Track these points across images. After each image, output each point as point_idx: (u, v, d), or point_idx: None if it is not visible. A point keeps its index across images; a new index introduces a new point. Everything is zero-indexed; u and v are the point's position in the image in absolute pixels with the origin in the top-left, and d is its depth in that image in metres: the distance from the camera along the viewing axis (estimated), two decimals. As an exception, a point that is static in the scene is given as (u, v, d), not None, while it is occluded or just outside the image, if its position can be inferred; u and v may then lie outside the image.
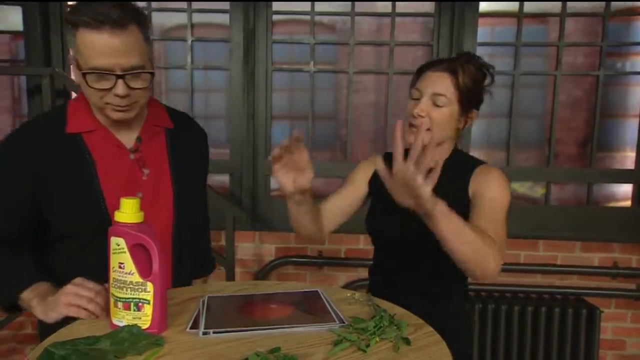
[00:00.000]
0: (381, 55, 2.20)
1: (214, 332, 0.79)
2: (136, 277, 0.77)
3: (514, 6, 2.08)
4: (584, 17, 2.11)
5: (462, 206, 1.02)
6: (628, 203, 2.17)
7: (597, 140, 2.12)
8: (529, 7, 2.07)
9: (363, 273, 2.12)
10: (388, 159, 1.23)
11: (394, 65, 2.14)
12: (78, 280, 0.88)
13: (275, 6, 2.14)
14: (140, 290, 0.77)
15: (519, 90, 2.13)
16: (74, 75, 0.93)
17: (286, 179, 0.95)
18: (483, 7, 2.07)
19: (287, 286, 1.05)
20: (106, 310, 0.83)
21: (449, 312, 1.12)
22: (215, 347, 0.75)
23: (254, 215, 2.22)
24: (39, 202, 0.95)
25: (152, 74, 0.93)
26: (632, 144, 2.14)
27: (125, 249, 0.76)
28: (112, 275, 0.79)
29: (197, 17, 2.18)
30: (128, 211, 0.78)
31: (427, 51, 2.15)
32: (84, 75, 0.87)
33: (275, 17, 2.17)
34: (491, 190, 1.03)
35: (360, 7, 2.13)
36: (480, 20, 2.07)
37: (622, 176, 2.15)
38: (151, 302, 0.77)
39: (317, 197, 2.23)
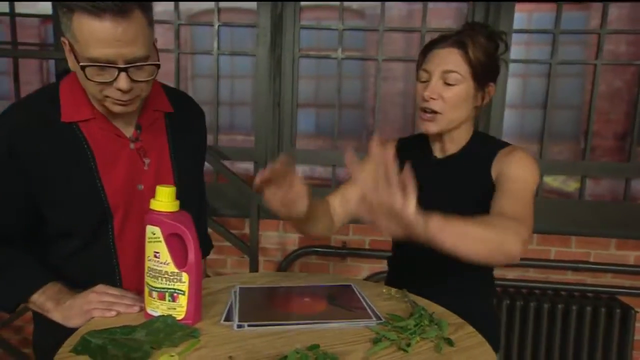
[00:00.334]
0: (411, 42, 2.14)
1: (248, 326, 0.77)
2: (171, 267, 0.75)
3: (553, -9, 1.98)
4: (629, 3, 2.00)
5: (485, 192, 0.96)
6: (669, 200, 2.08)
7: (638, 133, 2.03)
8: (569, -8, 1.97)
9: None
10: (403, 145, 1.18)
11: (424, 52, 2.08)
12: (100, 287, 0.85)
13: (304, -9, 2.09)
14: (175, 280, 0.76)
15: (556, 80, 2.05)
16: (69, 62, 0.82)
17: (278, 205, 0.85)
18: (521, -8, 1.98)
19: (318, 279, 1.03)
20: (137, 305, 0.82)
21: (472, 308, 1.01)
22: (250, 341, 0.73)
23: (279, 203, 2.20)
24: (35, 197, 0.87)
25: (158, 65, 0.83)
26: (674, 138, 2.04)
27: (161, 238, 0.75)
28: (147, 264, 0.77)
29: (224, 2, 2.15)
30: (164, 199, 0.76)
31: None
32: (82, 67, 0.77)
33: (303, 3, 2.12)
34: (513, 169, 0.96)
35: (391, -8, 2.06)
36: (517, 6, 1.98)
37: (663, 172, 2.05)
38: (186, 293, 0.76)
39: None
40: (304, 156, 2.21)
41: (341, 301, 0.90)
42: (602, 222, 2.06)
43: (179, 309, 0.76)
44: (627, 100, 2.07)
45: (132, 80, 0.79)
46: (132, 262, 0.91)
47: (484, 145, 1.05)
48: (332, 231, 1.09)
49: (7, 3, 2.14)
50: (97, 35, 0.74)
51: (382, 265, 2.12)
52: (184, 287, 0.76)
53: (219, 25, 2.14)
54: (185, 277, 0.75)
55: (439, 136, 1.05)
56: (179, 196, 0.91)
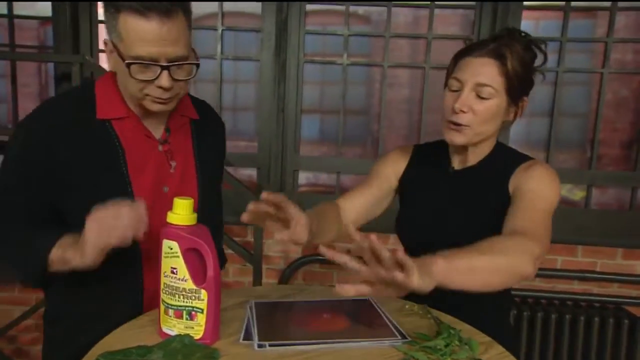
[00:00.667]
0: (417, 49, 2.12)
1: (270, 345, 0.74)
2: (189, 284, 0.71)
3: (560, -1, 1.98)
4: (635, 12, 2.00)
5: (502, 206, 0.92)
6: (674, 209, 2.07)
7: (644, 142, 2.02)
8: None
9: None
10: (419, 152, 1.14)
11: (430, 59, 2.06)
12: (98, 213, 0.76)
13: (309, -5, 2.06)
14: (193, 298, 0.72)
15: (562, 88, 2.03)
16: (109, 62, 0.86)
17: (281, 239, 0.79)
18: (527, -1, 1.97)
19: (333, 291, 0.99)
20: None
21: (487, 324, 0.94)
22: (274, 362, 0.70)
23: (282, 210, 2.16)
24: (61, 191, 0.87)
25: (197, 65, 0.87)
26: (680, 147, 2.03)
27: (179, 253, 0.71)
28: (163, 280, 0.74)
29: (228, 6, 2.12)
30: (182, 213, 0.72)
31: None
32: (127, 65, 0.80)
33: (308, 7, 2.09)
34: (530, 184, 0.91)
35: (397, -3, 2.04)
36: (524, 14, 1.97)
37: (669, 181, 2.05)
38: (204, 311, 0.72)
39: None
40: (308, 163, 2.17)
41: (362, 317, 0.87)
42: (608, 231, 2.05)
43: (197, 328, 0.73)
44: (634, 109, 2.06)
45: (173, 79, 0.83)
46: (156, 264, 0.84)
47: (505, 158, 1.01)
48: (342, 236, 1.05)
49: (5, 4, 2.10)
50: (143, 33, 0.78)
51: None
52: (203, 305, 0.72)
53: (222, 30, 2.11)
54: (204, 294, 0.72)
55: (462, 147, 1.00)
56: (201, 204, 0.91)
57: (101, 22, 2.12)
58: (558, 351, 1.91)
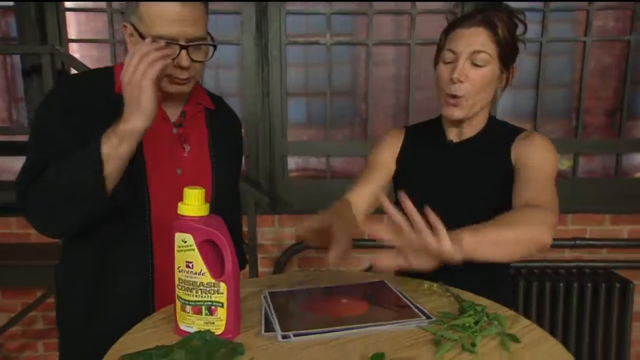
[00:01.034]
0: (401, 25, 2.08)
1: (294, 335, 0.71)
2: (207, 278, 0.67)
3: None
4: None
5: (505, 175, 0.95)
6: (656, 173, 2.12)
7: (627, 109, 2.05)
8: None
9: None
10: (412, 132, 1.15)
11: (415, 35, 2.03)
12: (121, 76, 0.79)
13: (289, -26, 1.99)
14: (212, 292, 0.68)
15: (546, 59, 2.04)
16: (129, 46, 0.88)
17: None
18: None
19: (344, 277, 0.97)
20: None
21: (496, 297, 0.95)
22: (302, 353, 0.67)
23: (273, 198, 2.12)
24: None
25: (215, 46, 0.91)
26: (661, 112, 2.08)
27: (194, 246, 0.67)
28: (178, 275, 0.69)
29: (204, -12, 2.02)
30: (194, 203, 0.68)
31: (451, 20, 2.03)
32: None
33: (288, -14, 2.02)
34: (532, 155, 0.95)
35: (379, -27, 2.00)
36: (507, -15, 1.95)
37: (651, 145, 2.10)
38: (225, 305, 0.68)
39: (338, 177, 2.16)
40: (297, 147, 2.13)
41: (380, 300, 0.84)
42: (596, 198, 2.09)
43: (218, 323, 0.69)
44: (616, 76, 2.09)
45: (192, 60, 0.86)
46: (168, 242, 0.81)
47: (501, 130, 1.04)
48: (358, 229, 1.05)
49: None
50: (165, 13, 0.82)
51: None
52: (223, 298, 0.68)
53: (200, 13, 2.02)
54: (223, 287, 0.68)
55: (458, 121, 1.02)
56: (216, 194, 0.94)
57: (68, 9, 2.00)
58: (553, 318, 1.95)
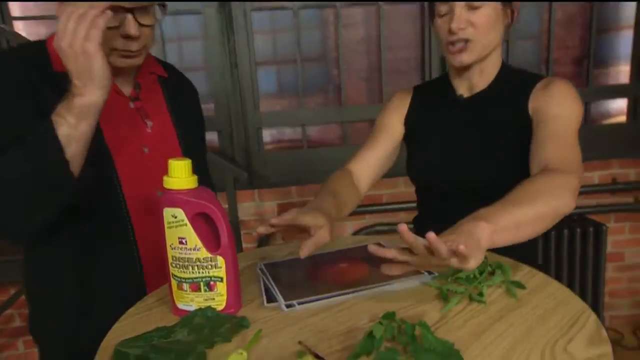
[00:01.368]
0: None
1: (298, 304, 0.69)
2: (203, 253, 0.64)
3: None
4: None
5: (522, 130, 0.88)
6: (622, 119, 2.18)
7: (594, 57, 2.08)
8: None
9: (370, 220, 2.05)
10: (419, 92, 1.12)
11: (383, -6, 1.98)
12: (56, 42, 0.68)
13: None
14: (210, 267, 0.64)
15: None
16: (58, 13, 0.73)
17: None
18: None
19: (336, 243, 0.95)
20: None
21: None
22: (309, 320, 0.65)
23: (250, 172, 2.07)
24: None
25: (165, 6, 0.79)
26: (625, 58, 2.12)
27: (186, 221, 0.63)
28: (171, 253, 0.65)
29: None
30: (182, 175, 0.63)
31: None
32: None
33: (248, -52, 1.92)
34: (553, 106, 0.86)
35: None
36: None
37: (618, 91, 2.14)
38: (224, 279, 0.65)
39: (314, 146, 2.12)
40: (270, 119, 2.07)
41: (379, 261, 0.83)
42: (568, 148, 2.13)
43: (219, 299, 0.66)
44: (582, 24, 2.11)
45: (140, 25, 0.75)
46: (151, 234, 0.76)
47: (516, 78, 0.95)
48: (360, 200, 1.02)
49: None
50: None
51: (365, 221, 2.08)
52: (221, 272, 0.65)
53: (155, -18, 1.90)
54: (221, 261, 0.64)
55: (466, 70, 0.95)
56: None
57: (10, -14, 1.84)
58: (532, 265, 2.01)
